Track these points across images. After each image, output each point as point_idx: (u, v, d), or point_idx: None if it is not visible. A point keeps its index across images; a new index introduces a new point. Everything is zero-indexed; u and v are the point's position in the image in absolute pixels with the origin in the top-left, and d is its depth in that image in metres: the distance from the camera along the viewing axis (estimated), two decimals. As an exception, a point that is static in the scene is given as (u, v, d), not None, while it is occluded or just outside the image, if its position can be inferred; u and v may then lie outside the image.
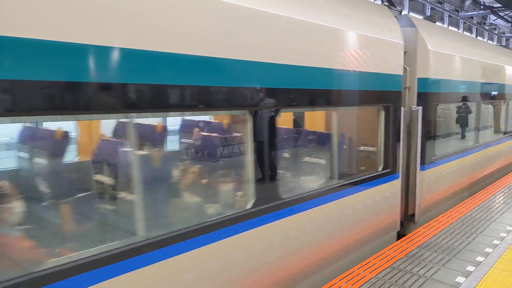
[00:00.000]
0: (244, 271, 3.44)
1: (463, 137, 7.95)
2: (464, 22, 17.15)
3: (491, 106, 9.25)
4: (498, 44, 18.84)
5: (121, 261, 2.56)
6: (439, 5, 15.08)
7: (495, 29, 18.95)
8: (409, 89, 5.72)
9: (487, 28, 18.25)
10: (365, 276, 4.21)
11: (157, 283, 2.80)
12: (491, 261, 4.48)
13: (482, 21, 17.90)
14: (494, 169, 9.16)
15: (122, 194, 3.72)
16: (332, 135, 4.61)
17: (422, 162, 5.87)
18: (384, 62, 4.98)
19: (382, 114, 5.08)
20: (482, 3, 14.26)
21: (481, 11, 15.59)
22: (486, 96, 8.36)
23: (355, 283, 4.07)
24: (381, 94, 4.99)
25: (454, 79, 6.65)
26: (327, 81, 4.19)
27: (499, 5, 14.36)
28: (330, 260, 4.43)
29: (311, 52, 3.95)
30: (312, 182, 4.62)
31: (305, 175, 4.95)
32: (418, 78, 5.74)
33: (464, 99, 7.28)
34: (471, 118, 7.88)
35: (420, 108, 5.69)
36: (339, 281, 4.11)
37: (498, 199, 7.14)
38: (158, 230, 2.85)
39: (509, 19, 16.03)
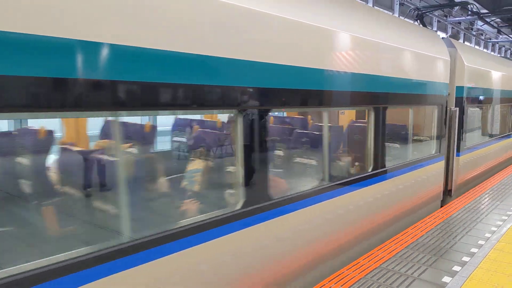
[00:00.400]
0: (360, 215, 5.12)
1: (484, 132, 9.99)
2: (452, 27, 17.46)
3: (507, 108, 11.40)
4: (485, 49, 19.18)
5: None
6: (428, 10, 15.31)
7: (481, 34, 19.32)
8: (449, 94, 7.32)
9: (474, 33, 18.60)
10: (354, 276, 4.27)
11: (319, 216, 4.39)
12: (477, 261, 4.58)
13: (470, 26, 18.24)
14: (507, 157, 11.78)
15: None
16: (408, 127, 6.35)
17: (458, 150, 7.69)
18: (439, 73, 6.71)
19: (436, 112, 6.89)
20: (469, 9, 14.56)
21: (469, 17, 15.89)
22: (504, 101, 10.57)
23: (344, 284, 4.12)
24: (437, 97, 6.77)
25: (481, 87, 8.68)
26: (416, 87, 6.06)
27: (486, 11, 14.65)
28: (406, 215, 6.21)
29: (413, 70, 5.91)
30: (395, 160, 6.13)
31: (391, 155, 6.33)
32: (456, 86, 7.52)
33: (487, 102, 9.38)
34: (491, 118, 10.07)
35: (457, 108, 7.47)
36: (328, 282, 4.16)
37: (483, 200, 7.28)
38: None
39: (495, 25, 16.38)
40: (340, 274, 4.32)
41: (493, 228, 5.70)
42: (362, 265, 4.53)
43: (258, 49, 3.47)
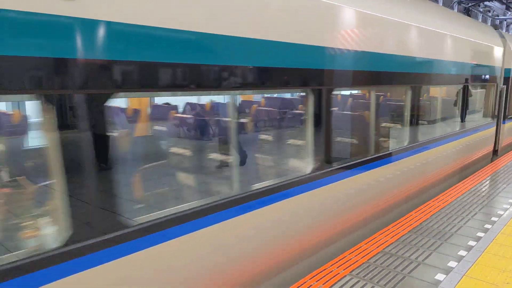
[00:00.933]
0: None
1: None
2: (459, 3, 16.89)
3: None
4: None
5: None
6: (435, -14, 14.79)
7: (489, 11, 18.73)
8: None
9: (481, 10, 18.04)
10: (357, 261, 4.16)
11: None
12: (483, 245, 4.46)
13: (477, 3, 17.67)
14: None
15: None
16: (476, 100, 8.63)
17: (503, 119, 10.01)
18: (497, 59, 8.93)
19: (492, 89, 9.14)
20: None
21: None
22: None
23: (347, 267, 4.01)
24: (495, 78, 9.03)
25: None
26: (487, 71, 8.46)
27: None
28: (477, 162, 8.88)
29: (486, 58, 8.25)
30: (468, 123, 8.09)
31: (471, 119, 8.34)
32: (505, 68, 9.55)
33: None
34: None
35: (505, 86, 9.67)
36: (331, 266, 4.06)
37: (488, 183, 7.14)
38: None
39: (504, 0, 15.82)
40: (342, 258, 4.22)
41: (506, 206, 5.58)
42: (365, 250, 4.42)
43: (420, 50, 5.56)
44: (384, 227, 5.15)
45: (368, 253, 4.33)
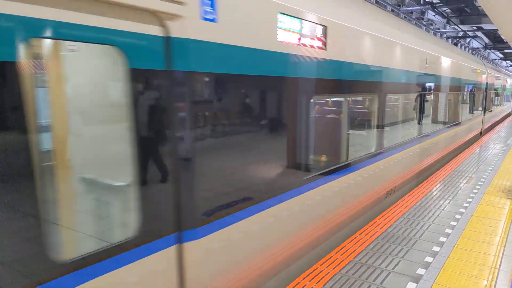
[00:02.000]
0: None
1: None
2: (404, 16, 17.91)
3: (503, 91, 23.43)
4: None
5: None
6: (384, -2, 15.51)
7: (431, 24, 20.08)
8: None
9: (424, 23, 19.27)
10: (329, 272, 4.06)
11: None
12: (447, 250, 4.57)
13: (421, 16, 18.83)
14: (502, 116, 24.17)
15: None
16: (475, 100, 14.15)
17: (484, 112, 16.02)
18: (483, 77, 15.10)
19: (481, 94, 15.05)
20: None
21: (421, 6, 16.35)
22: (502, 88, 22.58)
23: (319, 280, 3.90)
24: (483, 88, 15.42)
25: (494, 83, 18.10)
26: (482, 84, 15.50)
27: (437, 1, 15.13)
28: (472, 139, 14.35)
29: (478, 77, 14.26)
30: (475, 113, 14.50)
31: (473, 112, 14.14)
32: (485, 82, 15.49)
33: (494, 89, 18.98)
34: (496, 97, 20.95)
35: (485, 93, 15.81)
36: (303, 279, 3.92)
37: (443, 188, 7.48)
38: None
39: (445, 15, 16.99)
40: (314, 270, 4.10)
41: (462, 210, 5.82)
42: (336, 260, 4.34)
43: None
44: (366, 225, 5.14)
45: (339, 264, 4.26)
